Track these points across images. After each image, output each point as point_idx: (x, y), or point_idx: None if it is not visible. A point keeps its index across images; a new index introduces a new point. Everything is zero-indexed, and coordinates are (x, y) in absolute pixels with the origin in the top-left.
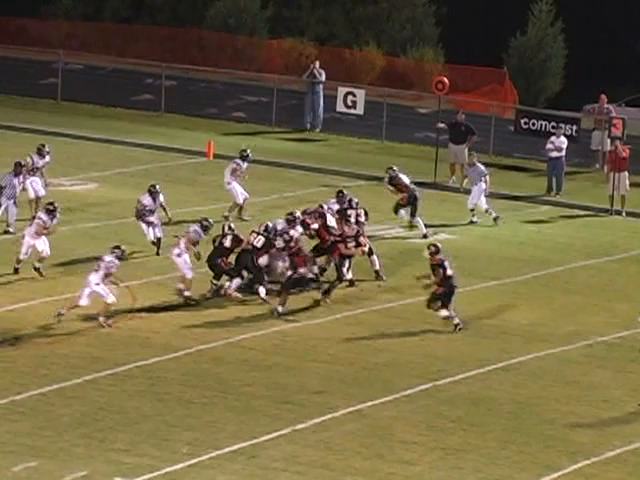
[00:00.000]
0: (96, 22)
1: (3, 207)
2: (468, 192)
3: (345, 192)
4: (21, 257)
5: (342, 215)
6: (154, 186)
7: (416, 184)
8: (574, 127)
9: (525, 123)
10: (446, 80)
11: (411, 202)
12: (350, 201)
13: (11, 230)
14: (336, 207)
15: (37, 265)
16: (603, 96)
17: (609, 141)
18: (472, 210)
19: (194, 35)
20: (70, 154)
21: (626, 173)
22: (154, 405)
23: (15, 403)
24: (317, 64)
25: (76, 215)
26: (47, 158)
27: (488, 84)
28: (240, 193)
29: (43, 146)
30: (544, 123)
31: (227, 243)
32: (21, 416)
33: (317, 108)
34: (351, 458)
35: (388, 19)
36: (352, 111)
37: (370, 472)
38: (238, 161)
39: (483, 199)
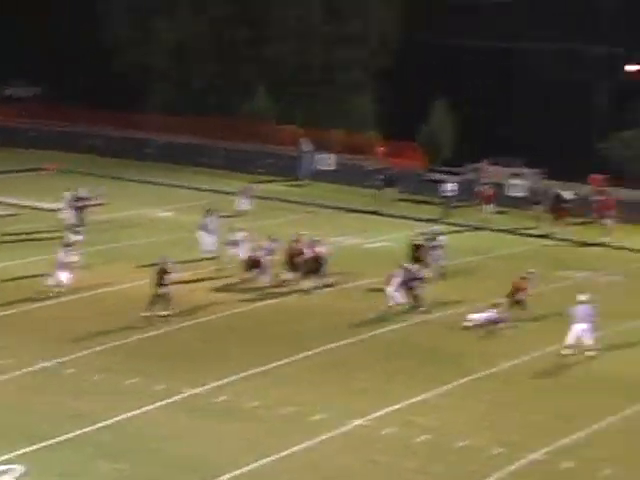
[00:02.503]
0: (174, 115)
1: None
2: (398, 217)
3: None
4: None
5: None
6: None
7: (364, 212)
8: (460, 177)
9: (430, 175)
10: (383, 149)
11: None
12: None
13: None
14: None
15: None
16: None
17: (482, 186)
18: None
19: (234, 123)
20: (158, 193)
21: (492, 205)
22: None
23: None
24: (306, 139)
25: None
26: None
27: (408, 151)
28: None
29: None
30: (441, 175)
31: None
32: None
33: (306, 166)
34: (328, 376)
35: (348, 112)
36: (328, 168)
37: (339, 384)
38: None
39: None
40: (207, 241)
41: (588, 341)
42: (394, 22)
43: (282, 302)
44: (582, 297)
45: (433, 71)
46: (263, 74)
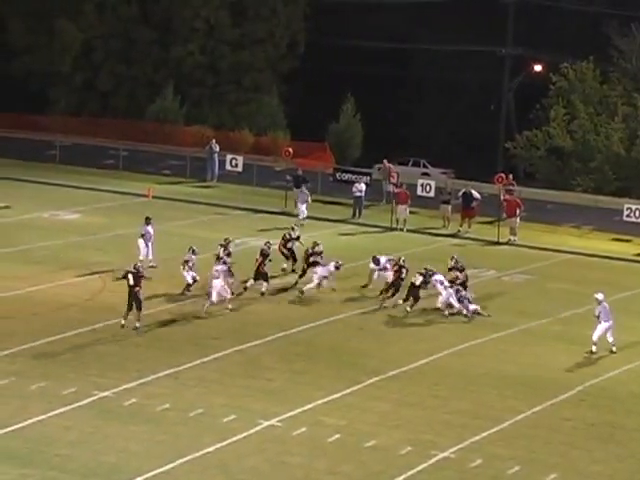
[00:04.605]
0: (78, 117)
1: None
2: (307, 217)
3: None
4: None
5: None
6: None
7: (272, 213)
8: (369, 178)
9: (339, 175)
10: (291, 150)
11: None
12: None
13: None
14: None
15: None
16: (385, 160)
17: (391, 186)
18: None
19: (139, 124)
20: (62, 196)
21: (406, 205)
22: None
23: (34, 348)
24: (213, 141)
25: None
26: None
27: (316, 152)
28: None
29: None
30: (350, 175)
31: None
32: (41, 358)
33: (214, 167)
34: (236, 378)
35: (256, 113)
36: (235, 169)
37: (248, 386)
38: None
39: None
40: (143, 249)
41: (610, 338)
42: (301, 24)
43: (192, 304)
44: (599, 296)
45: (341, 72)
46: (170, 75)
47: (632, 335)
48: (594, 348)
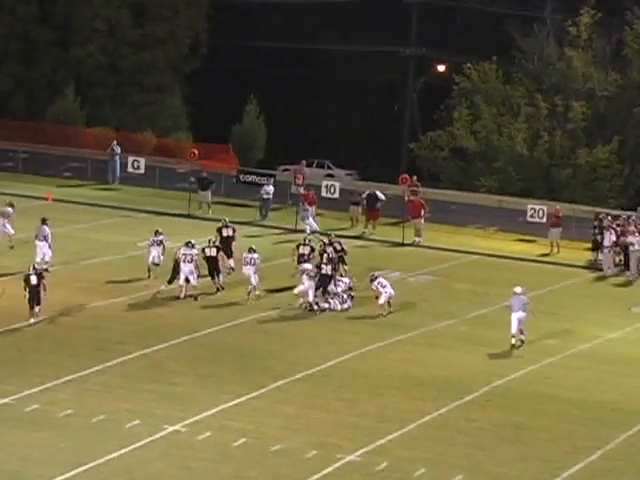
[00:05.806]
0: None
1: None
2: (207, 219)
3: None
4: None
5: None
6: None
7: (176, 215)
8: (272, 179)
9: (242, 177)
10: (196, 152)
11: None
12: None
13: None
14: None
15: None
16: (303, 162)
17: (298, 188)
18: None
19: (39, 125)
20: None
21: (313, 207)
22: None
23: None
24: (115, 142)
25: None
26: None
27: (219, 154)
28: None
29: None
30: (255, 177)
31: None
32: None
33: (115, 170)
34: (141, 383)
35: (158, 115)
36: (137, 171)
37: (153, 390)
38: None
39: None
40: (47, 250)
41: (523, 331)
42: (203, 24)
43: (95, 308)
44: (517, 290)
45: (244, 72)
46: (71, 76)
47: (538, 335)
48: (513, 341)
